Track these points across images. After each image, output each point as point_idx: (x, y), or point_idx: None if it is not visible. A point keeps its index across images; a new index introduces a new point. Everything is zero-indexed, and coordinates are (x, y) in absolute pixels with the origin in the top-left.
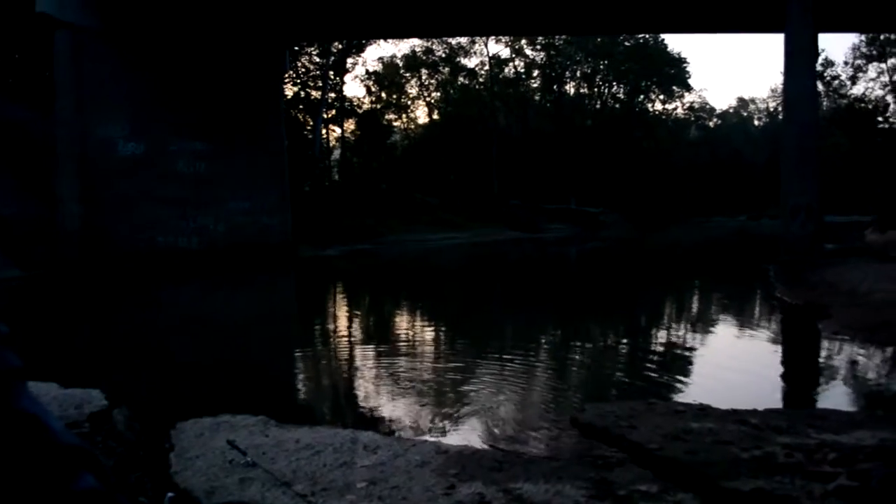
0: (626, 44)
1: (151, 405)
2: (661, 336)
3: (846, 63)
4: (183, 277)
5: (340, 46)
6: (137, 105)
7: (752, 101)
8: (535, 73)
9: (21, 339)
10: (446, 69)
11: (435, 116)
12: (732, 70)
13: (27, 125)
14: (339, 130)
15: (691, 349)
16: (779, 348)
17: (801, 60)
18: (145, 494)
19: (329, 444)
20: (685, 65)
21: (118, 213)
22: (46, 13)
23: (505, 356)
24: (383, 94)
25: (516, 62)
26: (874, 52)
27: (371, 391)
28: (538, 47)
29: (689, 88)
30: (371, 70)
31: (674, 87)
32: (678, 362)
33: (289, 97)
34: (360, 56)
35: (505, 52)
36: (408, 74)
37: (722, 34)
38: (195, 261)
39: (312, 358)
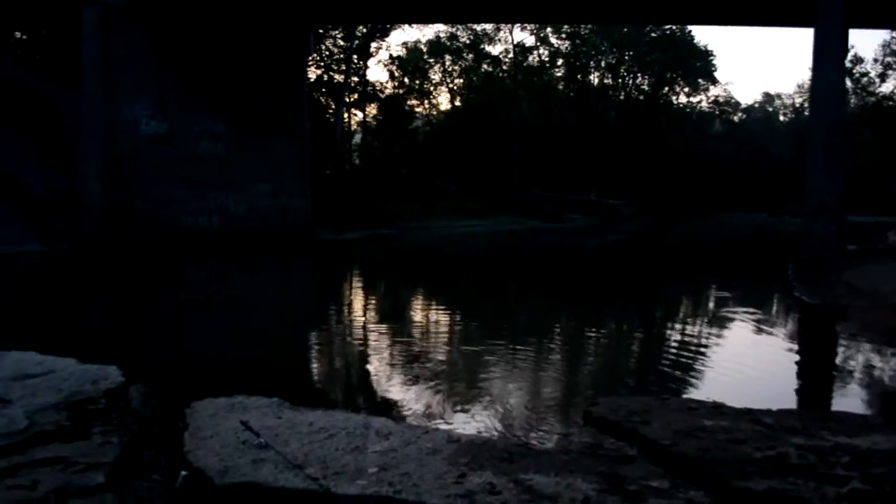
0: (653, 34)
1: (167, 383)
2: (677, 332)
3: (875, 60)
4: (203, 257)
5: (365, 30)
6: (162, 84)
7: (778, 96)
8: (560, 62)
9: (40, 314)
10: (470, 56)
11: (457, 103)
12: (758, 64)
13: (54, 102)
14: (361, 115)
15: (706, 346)
16: (795, 349)
17: (829, 56)
18: (159, 472)
19: (342, 429)
20: (711, 57)
21: (140, 191)
22: None
23: (519, 346)
24: (406, 80)
25: (541, 50)
26: None
27: (385, 377)
28: (563, 36)
29: (714, 81)
30: (395, 55)
31: (699, 80)
32: (693, 359)
33: (312, 80)
34: (384, 41)
35: (530, 40)
36: (431, 60)
37: (750, 27)
38: (215, 241)
39: (328, 341)
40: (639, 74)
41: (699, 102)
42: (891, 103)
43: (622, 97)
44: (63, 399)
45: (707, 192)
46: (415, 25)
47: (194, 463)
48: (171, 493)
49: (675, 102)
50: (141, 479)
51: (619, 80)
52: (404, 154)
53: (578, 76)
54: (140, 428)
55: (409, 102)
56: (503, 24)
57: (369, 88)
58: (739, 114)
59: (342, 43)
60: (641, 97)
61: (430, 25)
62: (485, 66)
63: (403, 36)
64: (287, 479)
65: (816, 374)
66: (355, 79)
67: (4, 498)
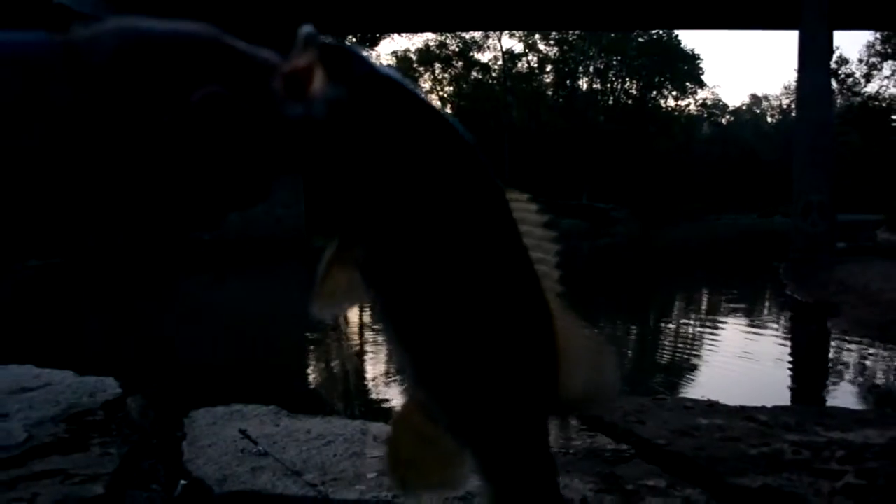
0: (640, 39)
1: (165, 394)
2: (669, 332)
3: (860, 61)
4: (197, 267)
5: (354, 40)
6: None
7: (766, 97)
8: (549, 68)
9: (37, 326)
10: (459, 63)
11: (448, 111)
12: (746, 67)
13: None
14: None
15: (700, 345)
16: (788, 346)
17: (815, 58)
18: (158, 482)
19: (340, 435)
20: (699, 61)
21: None
22: (63, 4)
23: None
24: None
25: (529, 57)
26: (889, 51)
27: (381, 382)
28: (552, 42)
29: (702, 85)
30: (385, 64)
31: (687, 84)
32: (687, 358)
33: None
34: (374, 50)
35: (518, 47)
36: (421, 69)
37: (736, 31)
38: (210, 251)
39: (323, 349)
40: (627, 79)
41: (687, 106)
42: (876, 103)
43: (611, 102)
44: (61, 411)
45: (698, 194)
46: (404, 34)
47: (193, 472)
48: (171, 502)
49: (663, 106)
50: (140, 490)
51: (608, 85)
52: None
53: (567, 82)
54: (138, 439)
55: None
56: (492, 32)
57: None
58: (728, 116)
59: None
60: (630, 101)
61: (420, 34)
62: (474, 73)
63: (393, 45)
64: (285, 486)
65: (809, 370)
66: None
67: None
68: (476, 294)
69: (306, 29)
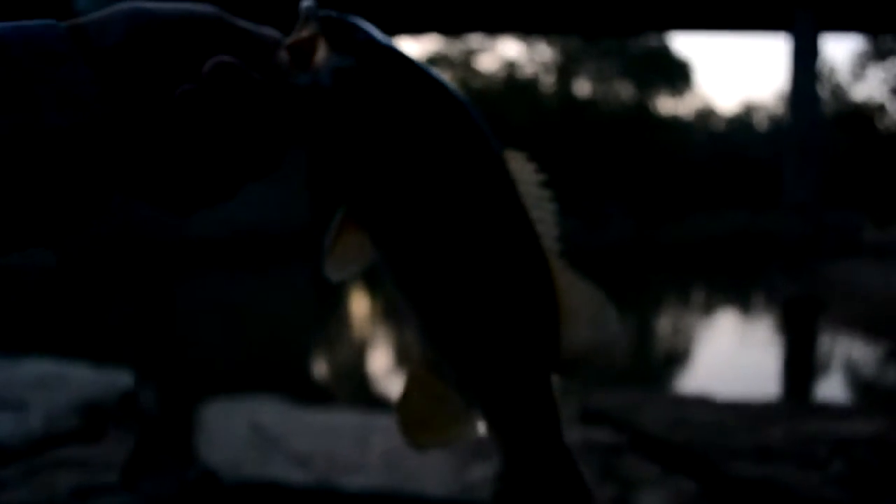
0: (636, 44)
1: (177, 386)
2: (663, 327)
3: (849, 65)
4: (209, 264)
5: None
6: None
7: (758, 102)
8: (548, 73)
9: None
10: (460, 70)
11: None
12: (738, 72)
13: None
14: None
15: (693, 340)
16: (778, 341)
17: (805, 61)
18: (171, 471)
19: (347, 425)
20: (692, 68)
21: None
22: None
23: None
24: None
25: (528, 61)
26: (876, 54)
27: (388, 375)
28: (551, 47)
29: (696, 90)
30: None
31: (681, 89)
32: (680, 353)
33: None
34: None
35: (518, 53)
36: None
37: (730, 37)
38: (221, 249)
39: (332, 342)
40: (624, 84)
41: (682, 110)
42: (865, 106)
43: (608, 106)
44: (78, 402)
45: (691, 195)
46: (408, 40)
47: (205, 461)
48: (183, 490)
49: (659, 111)
50: (153, 478)
51: (604, 88)
52: None
53: (565, 86)
54: (152, 428)
55: None
56: (493, 39)
57: None
58: (721, 119)
59: None
60: (627, 106)
61: (423, 43)
62: (474, 78)
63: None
64: (294, 476)
65: (799, 364)
66: None
67: (26, 498)
68: (480, 253)
69: (307, 3)
